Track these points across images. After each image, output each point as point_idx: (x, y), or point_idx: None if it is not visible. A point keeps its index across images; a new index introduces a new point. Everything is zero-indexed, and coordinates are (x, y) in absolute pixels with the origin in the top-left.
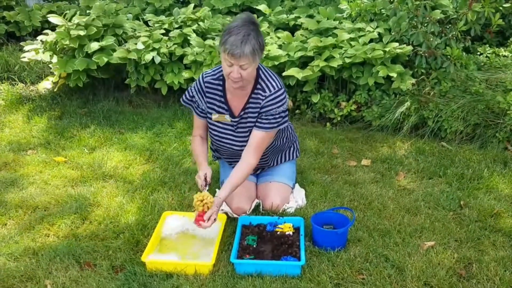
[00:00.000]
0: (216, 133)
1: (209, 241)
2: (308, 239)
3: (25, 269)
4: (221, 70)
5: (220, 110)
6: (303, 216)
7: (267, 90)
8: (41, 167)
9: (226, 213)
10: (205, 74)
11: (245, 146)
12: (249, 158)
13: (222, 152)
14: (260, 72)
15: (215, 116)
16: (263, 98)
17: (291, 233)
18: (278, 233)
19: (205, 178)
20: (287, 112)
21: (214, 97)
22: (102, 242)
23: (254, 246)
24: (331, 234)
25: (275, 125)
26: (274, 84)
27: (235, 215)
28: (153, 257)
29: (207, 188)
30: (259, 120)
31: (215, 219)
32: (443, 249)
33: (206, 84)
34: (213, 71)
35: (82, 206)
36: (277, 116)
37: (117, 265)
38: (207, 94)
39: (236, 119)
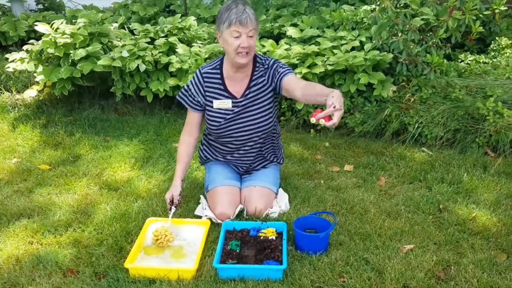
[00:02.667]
0: (219, 120)
1: (192, 246)
2: (291, 244)
3: (8, 276)
4: (217, 61)
5: (220, 97)
6: (286, 221)
7: (265, 62)
8: (25, 175)
9: (210, 219)
10: (201, 67)
11: (256, 125)
12: (300, 81)
13: (224, 143)
14: (255, 53)
15: (216, 103)
16: (265, 65)
17: (274, 237)
18: (261, 238)
19: (171, 200)
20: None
21: (213, 85)
22: (85, 249)
23: (238, 251)
24: (313, 238)
25: (289, 68)
26: (267, 58)
27: (219, 221)
28: (136, 263)
29: (173, 210)
30: (279, 70)
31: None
32: (422, 252)
33: (204, 75)
34: (209, 63)
35: (65, 214)
36: (285, 64)
37: (100, 271)
38: (205, 84)
39: (241, 100)
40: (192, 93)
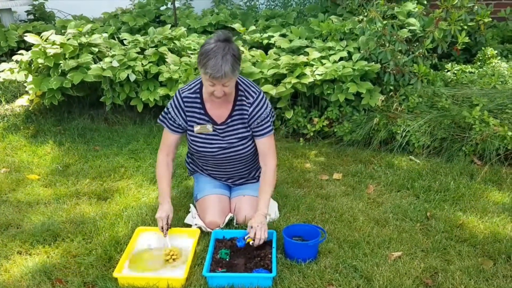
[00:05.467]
0: (200, 144)
1: (182, 255)
2: (280, 252)
3: None
4: (197, 84)
5: (201, 122)
6: (276, 229)
7: (249, 96)
8: (14, 185)
9: (199, 228)
10: (181, 90)
11: (237, 151)
12: (269, 162)
13: (204, 163)
14: (238, 80)
15: (197, 128)
16: (249, 105)
17: (252, 243)
18: (251, 246)
19: (167, 222)
20: (271, 107)
21: (194, 110)
22: (74, 258)
23: (227, 259)
24: (302, 246)
25: (270, 123)
26: (253, 89)
27: (208, 229)
28: (125, 273)
29: (167, 232)
30: (257, 129)
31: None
32: (410, 259)
33: (184, 99)
34: (189, 86)
35: (55, 223)
36: (267, 118)
37: (89, 281)
38: (186, 109)
39: (222, 127)
40: (172, 116)
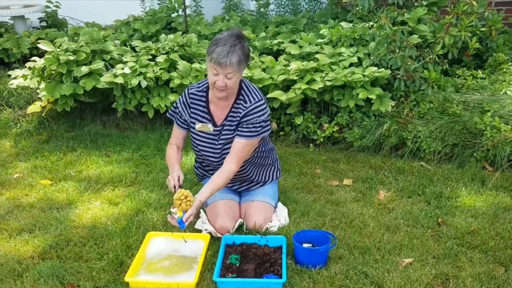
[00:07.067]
0: (199, 142)
1: (192, 260)
2: (290, 257)
3: None
4: (206, 82)
5: (203, 120)
6: (286, 235)
7: (248, 101)
8: (27, 190)
9: (210, 233)
10: (190, 87)
11: (222, 156)
12: (230, 164)
13: (207, 163)
14: (243, 84)
15: (198, 126)
16: (244, 108)
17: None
18: (262, 251)
19: (178, 179)
20: (268, 122)
21: (198, 107)
22: (86, 263)
23: (237, 264)
24: (312, 252)
25: (255, 133)
26: (255, 96)
27: (218, 235)
28: (136, 277)
29: (178, 190)
30: (239, 128)
31: (191, 222)
32: (421, 266)
33: (190, 95)
34: (198, 83)
35: (67, 228)
36: (257, 125)
37: (100, 286)
38: (191, 105)
39: (219, 129)
40: (179, 111)
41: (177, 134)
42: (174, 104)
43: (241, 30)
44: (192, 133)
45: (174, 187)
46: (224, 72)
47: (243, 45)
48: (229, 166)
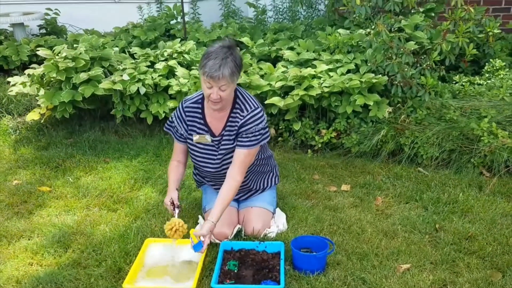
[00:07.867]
0: (198, 154)
1: (190, 266)
2: (288, 263)
3: None
4: (200, 94)
5: (201, 131)
6: (284, 241)
7: (244, 110)
8: (25, 197)
9: None
10: (184, 100)
11: (222, 166)
12: (236, 175)
13: (205, 175)
14: (238, 93)
15: (196, 137)
16: (242, 118)
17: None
18: (260, 257)
19: (172, 202)
20: (267, 129)
21: (194, 119)
22: (84, 270)
23: (235, 271)
24: (310, 258)
25: (255, 142)
26: (251, 104)
27: (217, 241)
28: (135, 284)
29: (177, 211)
30: (239, 139)
31: (208, 244)
32: (418, 272)
33: (185, 109)
34: (192, 96)
35: (65, 235)
36: (256, 133)
37: None
38: (187, 119)
39: (217, 139)
40: (175, 125)
41: (176, 148)
42: (170, 118)
43: (232, 40)
44: (190, 145)
45: (173, 209)
46: (218, 85)
47: (234, 56)
48: (235, 177)
